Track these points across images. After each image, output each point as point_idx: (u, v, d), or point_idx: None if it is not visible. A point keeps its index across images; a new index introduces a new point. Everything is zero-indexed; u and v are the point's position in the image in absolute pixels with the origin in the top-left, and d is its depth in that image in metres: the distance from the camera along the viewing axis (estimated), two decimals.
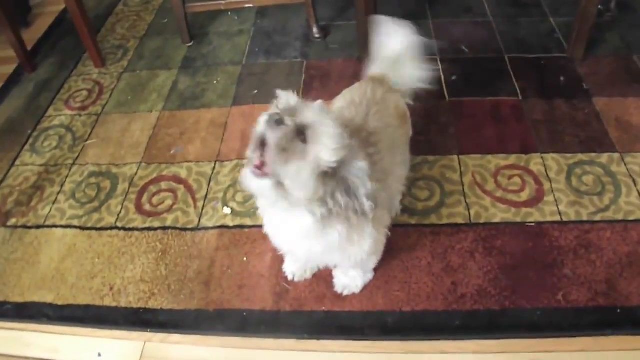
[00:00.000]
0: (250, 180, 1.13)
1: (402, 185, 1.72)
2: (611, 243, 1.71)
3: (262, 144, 1.09)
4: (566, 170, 1.92)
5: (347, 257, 1.39)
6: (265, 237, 1.53)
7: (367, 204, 1.18)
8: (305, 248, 1.34)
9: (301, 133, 1.11)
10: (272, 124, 1.07)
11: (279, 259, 1.72)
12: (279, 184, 1.12)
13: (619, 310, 1.55)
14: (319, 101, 1.18)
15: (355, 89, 1.60)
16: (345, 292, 1.63)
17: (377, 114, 1.47)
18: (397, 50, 1.64)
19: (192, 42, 2.68)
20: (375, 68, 1.69)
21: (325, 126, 1.13)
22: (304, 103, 1.16)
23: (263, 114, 1.11)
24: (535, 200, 1.84)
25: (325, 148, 1.12)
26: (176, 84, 2.46)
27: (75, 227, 1.91)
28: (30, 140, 2.27)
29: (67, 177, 2.09)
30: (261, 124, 1.09)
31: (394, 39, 1.65)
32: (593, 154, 1.97)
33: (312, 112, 1.13)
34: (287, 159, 1.09)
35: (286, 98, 1.15)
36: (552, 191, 1.86)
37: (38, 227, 1.93)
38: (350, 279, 1.62)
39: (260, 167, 1.10)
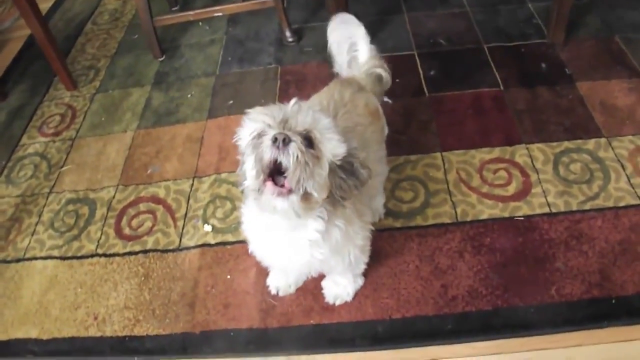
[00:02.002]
0: (277, 201, 1.09)
1: (382, 184, 1.71)
2: (603, 231, 1.67)
3: (277, 167, 1.07)
4: (553, 159, 1.88)
5: (342, 259, 1.37)
6: (248, 252, 1.49)
7: (365, 173, 1.20)
8: (307, 259, 1.30)
9: (306, 139, 1.09)
10: (281, 145, 1.05)
11: (263, 275, 1.68)
12: (305, 195, 1.11)
13: (614, 301, 1.52)
14: (294, 99, 1.15)
15: (323, 92, 1.57)
16: (338, 302, 1.59)
17: (345, 114, 1.44)
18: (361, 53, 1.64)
19: (163, 57, 2.64)
20: (345, 72, 1.66)
21: (324, 125, 1.13)
22: (282, 106, 1.13)
23: (266, 138, 1.07)
24: (523, 193, 1.80)
25: (335, 146, 1.13)
26: (150, 101, 2.41)
27: (56, 257, 1.86)
28: (5, 171, 2.22)
29: (44, 206, 2.04)
30: (267, 149, 1.06)
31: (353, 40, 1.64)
32: (579, 141, 1.93)
33: (304, 115, 1.11)
34: (311, 172, 1.08)
35: (269, 114, 1.10)
36: (540, 182, 1.82)
37: (18, 260, 1.88)
38: (341, 288, 1.59)
39: (277, 183, 1.09)
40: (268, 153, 1.06)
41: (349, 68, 1.66)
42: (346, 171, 1.17)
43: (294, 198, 1.09)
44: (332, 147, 1.13)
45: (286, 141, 1.05)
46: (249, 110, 1.15)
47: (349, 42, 1.64)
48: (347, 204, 1.27)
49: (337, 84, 1.58)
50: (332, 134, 1.13)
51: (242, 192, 1.24)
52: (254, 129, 1.11)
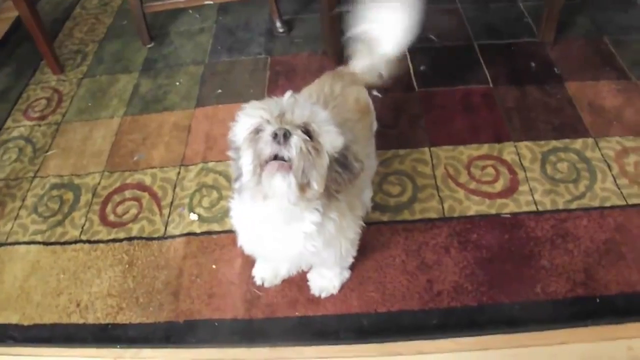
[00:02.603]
0: (277, 179, 1.08)
1: (370, 178, 1.70)
2: (588, 231, 1.68)
3: (277, 159, 1.07)
4: (540, 158, 1.89)
5: (334, 251, 1.36)
6: (234, 242, 1.49)
7: (358, 165, 1.20)
8: (297, 253, 1.29)
9: (305, 132, 1.09)
10: (282, 140, 1.05)
11: (248, 265, 1.67)
12: (304, 186, 1.10)
13: (598, 300, 1.53)
14: (289, 92, 1.16)
15: (313, 85, 1.56)
16: (324, 295, 1.59)
17: (335, 108, 1.43)
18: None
19: (152, 43, 2.61)
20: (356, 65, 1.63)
21: (322, 117, 1.13)
22: (278, 100, 1.13)
23: (264, 134, 1.07)
24: (510, 190, 1.80)
25: (334, 137, 1.13)
26: (137, 88, 2.38)
27: (39, 242, 1.84)
28: None
29: (28, 190, 2.01)
30: (267, 144, 1.06)
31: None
32: (567, 140, 1.94)
33: (302, 108, 1.11)
34: (313, 162, 1.09)
35: (266, 109, 1.10)
36: (527, 180, 1.83)
37: (0, 245, 1.85)
38: (327, 280, 1.58)
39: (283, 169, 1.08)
40: (268, 149, 1.06)
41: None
42: (341, 164, 1.17)
43: (293, 180, 1.07)
44: (331, 140, 1.13)
45: (287, 136, 1.05)
46: (244, 105, 1.14)
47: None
48: (341, 197, 1.26)
49: (329, 76, 1.57)
50: (330, 126, 1.13)
51: (235, 187, 1.22)
52: (250, 124, 1.11)
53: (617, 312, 1.51)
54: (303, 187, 1.10)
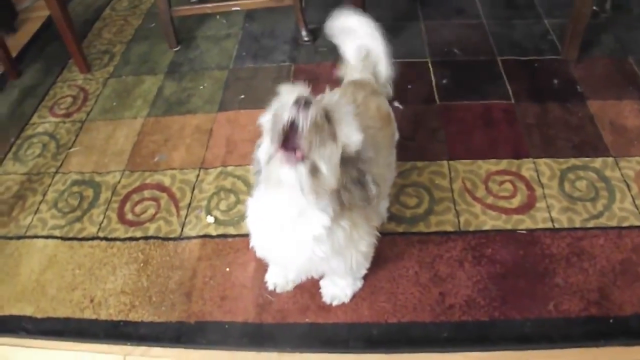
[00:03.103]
0: (283, 169, 1.09)
1: (388, 189, 1.70)
2: (604, 250, 1.66)
3: (291, 128, 1.06)
4: (559, 175, 1.88)
5: (344, 261, 1.36)
6: (249, 246, 1.50)
7: (374, 189, 1.21)
8: (306, 256, 1.29)
9: (327, 116, 1.10)
10: (302, 106, 1.05)
11: (262, 270, 1.68)
12: (314, 170, 1.09)
13: (611, 321, 1.51)
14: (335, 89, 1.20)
15: (336, 92, 1.56)
16: (335, 303, 1.59)
17: (357, 116, 1.42)
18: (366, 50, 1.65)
19: (179, 47, 2.64)
20: (355, 74, 1.66)
21: (347, 110, 1.15)
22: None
23: (284, 97, 1.08)
24: (527, 206, 1.79)
25: (352, 132, 1.14)
26: (162, 90, 2.42)
27: (57, 237, 1.87)
28: (14, 149, 2.23)
29: (49, 185, 2.05)
30: (286, 109, 1.06)
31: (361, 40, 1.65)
32: (586, 159, 1.93)
33: (330, 97, 1.14)
34: (325, 140, 1.08)
35: (297, 90, 1.09)
36: (545, 197, 1.81)
37: (19, 237, 1.89)
38: (340, 289, 1.58)
39: (289, 151, 1.08)
40: (287, 113, 1.05)
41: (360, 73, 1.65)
42: (357, 176, 1.18)
43: (302, 169, 1.08)
44: (349, 132, 1.13)
45: (307, 104, 1.05)
46: (279, 88, 1.13)
47: (365, 51, 1.65)
48: (355, 208, 1.27)
49: (351, 85, 1.59)
50: (351, 119, 1.15)
51: (255, 175, 1.24)
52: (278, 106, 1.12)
53: (631, 334, 1.48)
54: (313, 172, 1.09)
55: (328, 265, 1.38)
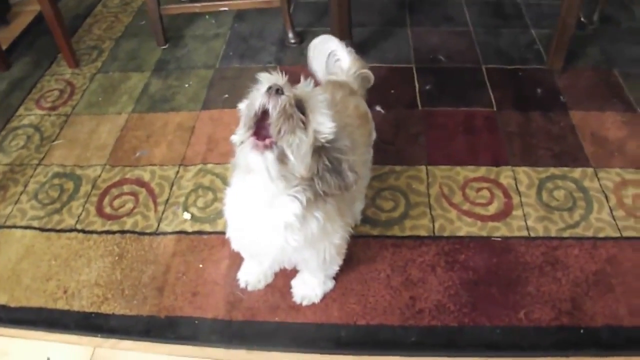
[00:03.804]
0: (251, 155, 1.11)
1: (364, 189, 1.73)
2: (578, 260, 1.67)
3: (263, 115, 1.10)
4: (537, 184, 1.89)
5: (316, 253, 1.38)
6: (223, 244, 1.50)
7: (351, 176, 1.22)
8: (280, 243, 1.30)
9: (299, 104, 1.12)
10: (273, 94, 1.07)
11: (235, 267, 1.68)
12: (282, 158, 1.12)
13: (582, 331, 1.51)
14: (309, 78, 1.21)
15: (310, 83, 1.58)
16: (305, 303, 1.59)
17: (335, 114, 1.43)
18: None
19: (167, 45, 2.65)
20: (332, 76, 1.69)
21: (320, 99, 1.16)
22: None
23: (259, 84, 1.12)
24: (503, 214, 1.80)
25: (324, 121, 1.15)
26: (148, 87, 2.42)
27: (35, 228, 1.87)
28: None
29: (31, 177, 2.05)
30: (260, 96, 1.09)
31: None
32: (566, 169, 1.93)
33: (304, 86, 1.16)
34: (293, 128, 1.10)
35: (274, 78, 1.13)
36: (522, 205, 1.82)
37: None
38: (310, 289, 1.59)
39: (261, 139, 1.10)
40: (259, 99, 1.09)
41: (331, 75, 1.69)
42: (332, 165, 1.19)
43: (269, 155, 1.10)
44: (321, 120, 1.15)
45: (279, 92, 1.08)
46: (260, 74, 1.16)
47: (327, 52, 1.71)
48: (329, 200, 1.29)
49: (330, 85, 1.61)
50: (323, 109, 1.16)
51: (231, 163, 1.26)
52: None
53: (601, 345, 1.49)
54: (281, 158, 1.12)
55: (301, 256, 1.40)
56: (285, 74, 1.16)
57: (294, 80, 2.34)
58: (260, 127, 1.11)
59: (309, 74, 1.66)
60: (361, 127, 1.54)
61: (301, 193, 1.22)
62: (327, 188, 1.21)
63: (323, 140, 1.17)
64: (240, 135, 1.14)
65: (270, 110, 1.08)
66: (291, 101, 1.09)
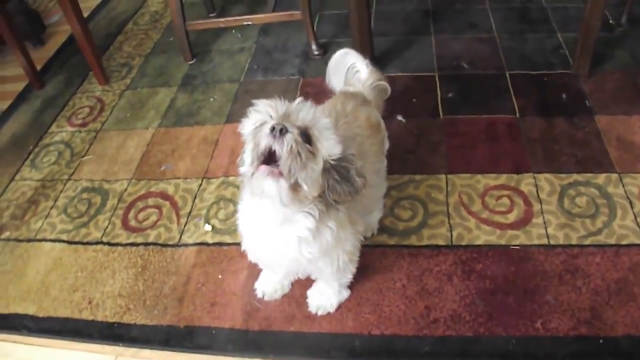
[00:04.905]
0: (265, 182, 1.13)
1: (380, 198, 1.74)
2: (600, 269, 1.62)
3: (271, 155, 1.12)
4: (559, 191, 1.85)
5: (330, 262, 1.39)
6: (242, 255, 1.53)
7: (360, 181, 1.23)
8: (295, 256, 1.32)
9: (304, 135, 1.13)
10: (278, 135, 1.10)
11: (253, 277, 1.70)
12: (296, 186, 1.14)
13: (601, 341, 1.47)
14: (300, 98, 1.20)
15: (326, 103, 1.61)
16: (320, 312, 1.60)
17: (345, 124, 1.48)
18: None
19: (194, 60, 2.71)
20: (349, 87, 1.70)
21: (325, 125, 1.18)
22: (286, 102, 1.17)
23: (265, 127, 1.12)
24: (523, 222, 1.77)
25: (332, 146, 1.18)
26: (174, 101, 2.48)
27: (64, 241, 1.94)
28: (31, 156, 2.33)
29: (61, 192, 2.13)
30: (264, 137, 1.11)
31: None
32: (589, 174, 1.89)
33: (306, 113, 1.16)
34: (304, 165, 1.12)
35: (272, 108, 1.15)
36: (542, 213, 1.79)
37: (29, 240, 1.97)
38: (326, 298, 1.60)
39: (276, 167, 1.12)
40: (264, 140, 1.11)
41: (348, 86, 1.72)
42: (341, 175, 1.21)
43: (283, 183, 1.12)
44: (329, 146, 1.17)
45: (283, 131, 1.09)
46: (255, 101, 1.19)
47: (347, 65, 1.74)
48: (341, 208, 1.30)
49: (341, 96, 1.63)
50: (329, 134, 1.18)
51: (240, 179, 1.28)
52: (257, 119, 1.16)
53: (620, 355, 1.44)
54: (294, 187, 1.14)
55: (315, 266, 1.41)
56: (308, 93, 1.18)
57: (315, 93, 2.39)
58: (268, 157, 1.13)
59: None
60: (372, 137, 1.54)
61: (314, 209, 1.25)
62: (338, 197, 1.23)
63: (332, 162, 1.19)
64: (248, 167, 1.17)
65: (277, 152, 1.10)
66: (297, 138, 1.11)
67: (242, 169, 1.21)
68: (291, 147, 1.09)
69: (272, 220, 1.26)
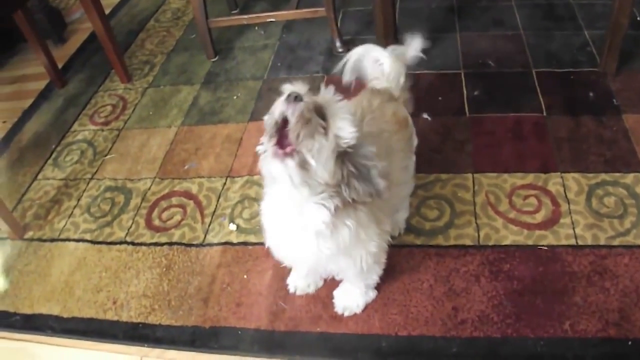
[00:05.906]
0: (272, 163, 1.13)
1: (407, 196, 1.73)
2: (629, 269, 1.60)
3: (284, 123, 1.11)
4: (587, 190, 1.82)
5: (353, 262, 1.37)
6: (267, 254, 1.52)
7: (381, 183, 1.21)
8: (313, 251, 1.31)
9: (319, 111, 1.13)
10: (292, 101, 1.09)
11: (278, 277, 1.70)
12: (303, 164, 1.12)
13: (630, 343, 1.45)
14: (331, 85, 1.20)
15: (353, 100, 1.59)
16: (346, 313, 1.60)
17: (371, 120, 1.46)
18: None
19: (216, 57, 2.70)
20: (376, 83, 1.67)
21: (340, 105, 1.17)
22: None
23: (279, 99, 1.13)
24: (551, 222, 1.75)
25: (345, 126, 1.15)
26: (197, 99, 2.48)
27: (87, 241, 1.95)
28: (54, 155, 2.34)
29: (84, 191, 2.14)
30: (279, 104, 1.11)
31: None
32: (617, 174, 1.86)
33: (326, 93, 1.17)
34: (312, 133, 1.10)
35: (295, 87, 1.14)
36: (570, 213, 1.76)
37: (52, 240, 1.98)
38: (352, 299, 1.59)
39: (283, 147, 1.11)
40: (279, 108, 1.11)
41: (376, 79, 1.67)
42: (360, 172, 1.19)
43: (290, 162, 1.11)
44: (342, 125, 1.15)
45: (297, 99, 1.09)
46: (286, 85, 1.17)
47: (371, 61, 1.67)
48: (361, 207, 1.29)
49: (368, 92, 1.61)
50: (345, 114, 1.16)
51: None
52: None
53: None
54: (302, 164, 1.12)
55: (337, 265, 1.40)
56: (332, 83, 1.18)
57: (341, 90, 2.35)
58: (282, 135, 1.12)
59: (356, 83, 1.69)
60: (399, 133, 1.53)
61: (328, 200, 1.22)
62: (356, 195, 1.21)
63: (345, 146, 1.16)
64: (264, 145, 1.16)
65: (289, 117, 1.09)
66: (309, 106, 1.10)
67: (258, 148, 1.19)
68: (302, 111, 1.08)
69: (288, 208, 1.26)
